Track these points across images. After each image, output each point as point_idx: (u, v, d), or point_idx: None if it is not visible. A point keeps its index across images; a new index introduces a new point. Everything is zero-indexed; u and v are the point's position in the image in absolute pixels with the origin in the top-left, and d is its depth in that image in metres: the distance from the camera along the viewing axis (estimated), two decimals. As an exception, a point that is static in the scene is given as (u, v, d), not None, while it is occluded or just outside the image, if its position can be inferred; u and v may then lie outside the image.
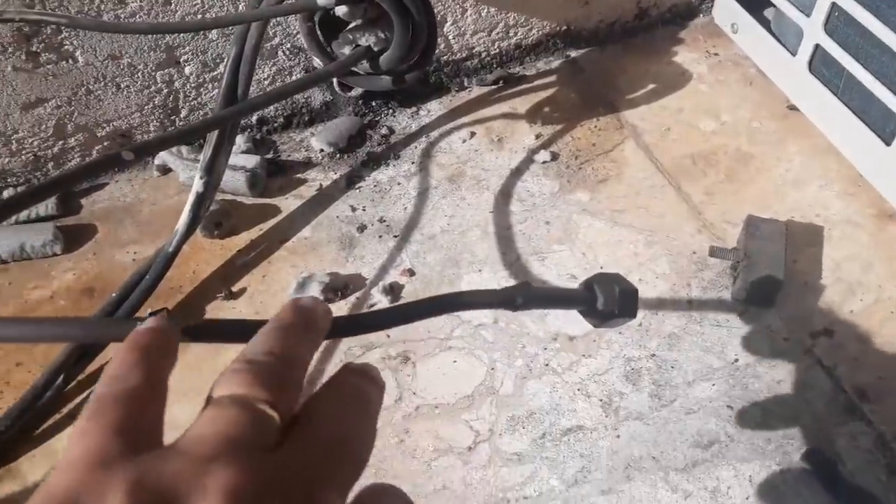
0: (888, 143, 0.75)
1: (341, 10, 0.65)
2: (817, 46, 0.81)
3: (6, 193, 0.83)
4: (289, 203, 0.84)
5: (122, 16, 0.75)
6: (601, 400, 0.66)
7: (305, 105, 0.92)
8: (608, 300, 0.48)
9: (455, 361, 0.69)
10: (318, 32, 0.69)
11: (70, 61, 0.76)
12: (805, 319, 0.71)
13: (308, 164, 0.89)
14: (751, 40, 0.95)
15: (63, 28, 0.71)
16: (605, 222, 0.80)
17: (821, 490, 0.60)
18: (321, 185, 0.86)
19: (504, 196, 0.83)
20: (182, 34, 0.79)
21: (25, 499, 0.60)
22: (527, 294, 0.45)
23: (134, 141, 0.87)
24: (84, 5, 0.73)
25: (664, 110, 0.92)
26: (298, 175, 0.88)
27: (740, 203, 0.80)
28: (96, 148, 0.85)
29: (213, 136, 0.72)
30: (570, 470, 0.62)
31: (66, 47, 0.75)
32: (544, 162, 0.86)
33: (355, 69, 0.74)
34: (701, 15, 1.05)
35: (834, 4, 0.76)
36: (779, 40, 0.89)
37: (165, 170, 0.87)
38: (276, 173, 0.88)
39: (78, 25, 0.61)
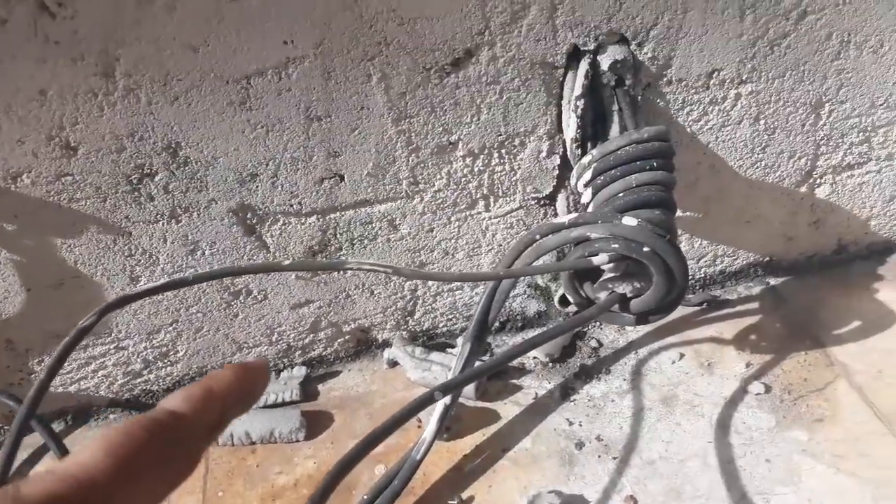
0: None
1: (607, 265, 0.73)
2: None
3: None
4: (507, 409, 0.90)
5: (393, 239, 0.86)
6: None
7: (521, 313, 1.00)
8: None
9: None
10: (575, 281, 0.77)
11: (341, 272, 0.87)
12: None
13: (523, 371, 0.95)
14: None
15: (387, 275, 0.84)
16: (828, 467, 0.81)
17: None
18: (536, 393, 0.92)
19: (721, 426, 0.86)
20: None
21: None
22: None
23: (370, 336, 0.96)
24: (365, 231, 0.84)
25: (873, 351, 0.93)
26: (514, 381, 0.94)
27: (972, 464, 0.79)
28: (338, 340, 0.95)
29: (464, 354, 0.80)
30: None
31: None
32: (758, 394, 0.89)
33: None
34: (899, 252, 1.08)
35: None
36: None
37: (394, 363, 0.96)
38: (493, 377, 0.94)
39: (401, 275, 0.71)
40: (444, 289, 0.94)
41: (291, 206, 0.80)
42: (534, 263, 0.77)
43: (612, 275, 0.76)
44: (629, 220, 0.72)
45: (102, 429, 0.24)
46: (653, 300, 0.75)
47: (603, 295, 0.77)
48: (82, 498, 0.20)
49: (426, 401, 0.61)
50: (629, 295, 0.76)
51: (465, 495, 0.81)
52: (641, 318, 0.79)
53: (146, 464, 0.22)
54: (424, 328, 0.98)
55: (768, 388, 0.90)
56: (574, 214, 0.76)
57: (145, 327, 0.85)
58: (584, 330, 1.00)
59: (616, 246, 0.72)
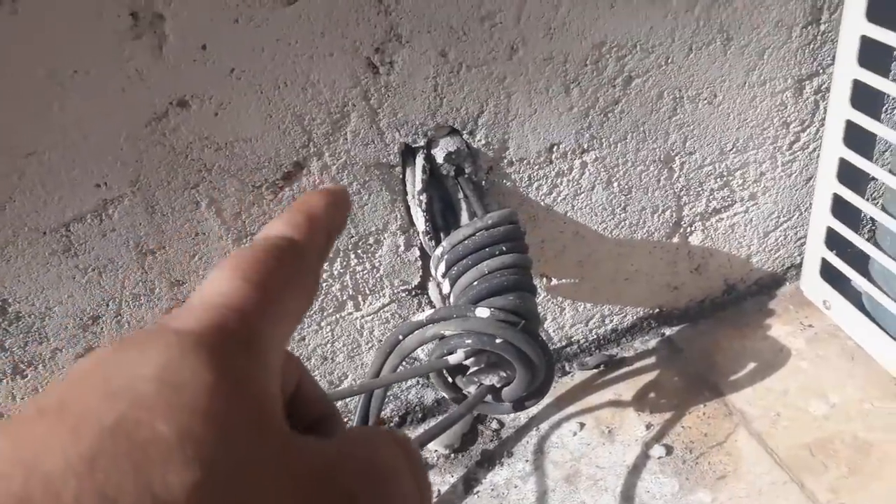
0: None
1: (467, 360, 0.71)
2: (920, 337, 0.82)
3: None
4: (409, 513, 0.86)
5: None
6: None
7: (419, 403, 0.97)
8: None
9: None
10: (445, 373, 0.75)
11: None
12: None
13: (426, 467, 0.92)
14: (846, 317, 0.97)
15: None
16: (732, 527, 0.79)
17: None
18: (439, 490, 0.89)
19: (625, 499, 0.84)
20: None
21: None
22: None
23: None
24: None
25: (770, 393, 0.93)
26: (415, 479, 0.90)
27: (870, 502, 0.78)
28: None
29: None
30: None
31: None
32: (660, 457, 0.87)
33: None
34: (787, 283, 1.08)
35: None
36: (877, 323, 0.91)
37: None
38: (394, 479, 0.91)
39: None
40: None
41: (143, 342, 0.77)
42: (399, 370, 0.75)
43: (476, 368, 0.74)
44: (481, 312, 0.71)
45: (227, 258, 0.21)
46: (520, 388, 0.73)
47: (472, 389, 0.75)
48: (242, 328, 0.19)
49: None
50: (497, 385, 0.74)
51: None
52: (517, 405, 0.77)
53: (282, 289, 0.21)
54: (318, 437, 0.94)
55: (669, 450, 0.88)
56: (430, 311, 0.74)
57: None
58: (485, 413, 0.98)
59: (469, 341, 0.70)
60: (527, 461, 0.90)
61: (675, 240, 0.97)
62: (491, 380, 0.74)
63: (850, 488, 0.80)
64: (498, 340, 0.69)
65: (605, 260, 0.94)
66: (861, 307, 0.94)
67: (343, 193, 0.26)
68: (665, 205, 0.93)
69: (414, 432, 0.97)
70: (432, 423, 0.97)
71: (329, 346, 0.87)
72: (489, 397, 0.76)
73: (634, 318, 1.03)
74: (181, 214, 0.72)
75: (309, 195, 0.25)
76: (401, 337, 0.75)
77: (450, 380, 0.76)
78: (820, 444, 0.85)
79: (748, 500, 0.81)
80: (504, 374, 0.73)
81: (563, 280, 0.94)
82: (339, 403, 0.90)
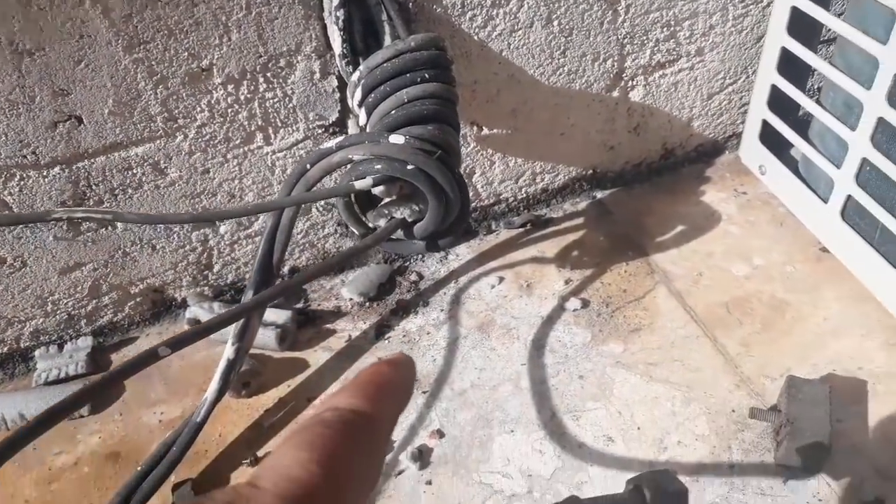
0: (930, 297, 0.73)
1: (377, 189, 0.67)
2: (849, 197, 0.80)
3: (38, 352, 0.84)
4: (318, 356, 0.84)
5: (162, 185, 0.78)
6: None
7: (336, 253, 0.94)
8: (656, 504, 0.46)
9: (488, 536, 0.66)
10: (355, 206, 0.70)
11: (109, 228, 0.78)
12: (855, 488, 0.67)
13: (338, 314, 0.89)
14: (780, 182, 0.95)
15: (108, 221, 0.74)
16: (641, 377, 0.78)
17: None
18: (350, 335, 0.86)
19: (536, 347, 0.82)
20: (219, 196, 0.81)
21: None
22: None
23: (166, 295, 0.88)
24: (126, 178, 0.75)
25: (695, 254, 0.91)
26: (328, 325, 0.88)
27: (779, 355, 0.78)
28: (128, 304, 0.86)
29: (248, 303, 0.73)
30: None
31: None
32: (575, 310, 0.86)
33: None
34: (727, 152, 1.05)
35: (865, 159, 0.76)
36: (808, 185, 0.89)
37: (195, 323, 0.88)
38: (305, 324, 0.88)
39: (123, 220, 0.63)
40: (240, 236, 0.86)
41: (25, 156, 0.71)
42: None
43: (387, 199, 0.70)
44: (396, 139, 0.66)
45: (295, 432, 0.20)
46: (432, 223, 0.69)
47: (382, 222, 0.71)
48: None
49: (148, 357, 0.55)
50: (409, 219, 0.70)
51: (262, 452, 0.75)
52: (431, 245, 0.73)
53: (354, 471, 0.21)
54: (229, 281, 0.90)
55: (586, 304, 0.86)
56: (341, 138, 0.69)
57: None
58: (405, 264, 0.95)
59: (379, 167, 0.66)
60: (442, 311, 0.88)
61: (616, 94, 0.92)
62: (402, 213, 0.69)
63: (760, 343, 0.79)
64: (410, 167, 0.65)
65: (540, 110, 0.89)
66: (797, 173, 0.92)
67: (409, 363, 0.26)
68: (607, 52, 0.87)
69: (331, 283, 0.94)
70: (350, 275, 0.94)
71: (237, 182, 0.82)
72: (401, 234, 0.72)
73: (567, 177, 0.99)
74: (61, 10, 0.64)
75: (377, 366, 0.25)
76: (308, 166, 0.70)
77: (359, 214, 0.72)
78: (738, 302, 0.84)
79: (660, 351, 0.80)
80: (417, 208, 0.69)
81: (496, 130, 0.89)
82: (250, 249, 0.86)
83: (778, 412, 0.70)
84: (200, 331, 0.59)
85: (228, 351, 0.73)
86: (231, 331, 0.73)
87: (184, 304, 0.89)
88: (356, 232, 0.75)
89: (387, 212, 0.71)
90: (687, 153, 1.04)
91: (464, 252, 0.96)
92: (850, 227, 0.82)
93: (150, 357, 0.55)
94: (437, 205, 0.68)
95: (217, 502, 0.19)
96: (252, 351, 0.83)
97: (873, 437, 0.70)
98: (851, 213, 0.82)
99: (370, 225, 0.73)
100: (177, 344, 0.55)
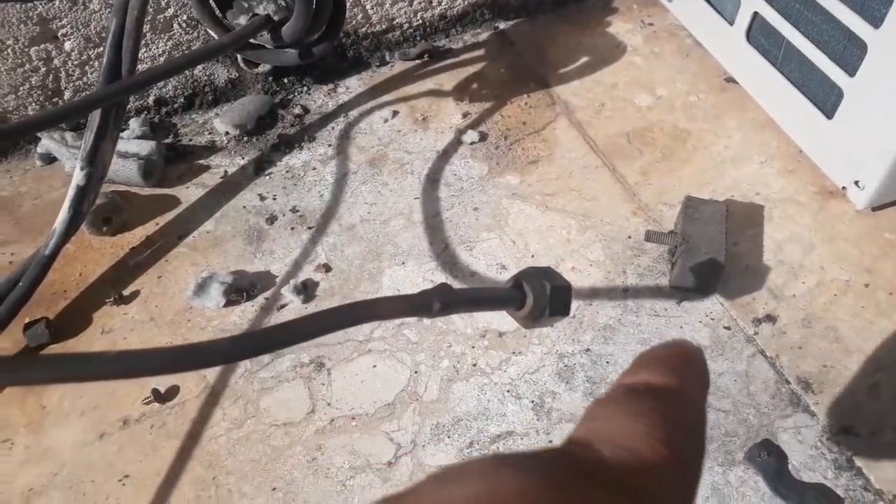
0: (829, 117, 0.71)
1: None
2: (755, 14, 0.76)
3: None
4: (190, 193, 0.76)
5: (-19, -17, 0.66)
6: (532, 401, 0.60)
7: (209, 83, 0.84)
8: (539, 298, 0.42)
9: (375, 366, 0.63)
10: (210, 1, 0.61)
11: (-79, 36, 0.66)
12: (747, 306, 0.67)
13: (212, 149, 0.81)
14: (687, 9, 0.90)
15: None
16: (536, 207, 0.74)
17: (767, 490, 0.56)
18: (226, 171, 0.78)
19: (430, 181, 0.77)
20: (57, 3, 0.70)
21: None
22: (446, 297, 0.38)
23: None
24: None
25: (598, 85, 0.86)
26: (201, 161, 0.79)
27: (678, 183, 0.76)
28: (-34, 135, 0.75)
29: (94, 121, 0.64)
30: (501, 482, 0.56)
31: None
32: (472, 143, 0.80)
33: (257, 42, 0.67)
34: (635, -17, 0.99)
35: (772, -31, 0.71)
36: (716, 9, 0.84)
37: (50, 159, 0.78)
38: (175, 160, 0.79)
39: None
40: (91, 56, 0.75)
41: None
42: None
43: (248, -6, 0.61)
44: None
45: (618, 400, 0.14)
46: (301, 21, 0.61)
47: (243, 20, 0.62)
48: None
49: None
50: (274, 17, 0.61)
51: (128, 290, 0.68)
52: (304, 53, 0.65)
53: (691, 451, 0.18)
54: (84, 111, 0.79)
55: (484, 137, 0.81)
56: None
57: None
58: (289, 97, 0.86)
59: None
60: (329, 146, 0.81)
61: None
62: (266, 7, 0.60)
63: (659, 171, 0.77)
64: (270, -50, 0.55)
65: (432, -82, 0.80)
66: (704, -1, 0.87)
67: (699, 349, 0.23)
68: None
69: (204, 116, 0.84)
70: (225, 107, 0.84)
71: (83, -12, 0.70)
72: (268, 38, 0.64)
73: (467, 3, 0.91)
74: None
75: (675, 345, 0.22)
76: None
77: (216, 12, 0.62)
78: (639, 132, 0.81)
79: (557, 182, 0.76)
80: (283, 3, 0.61)
81: (383, -60, 0.80)
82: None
83: (674, 234, 0.68)
84: (37, 121, 0.50)
85: (77, 177, 0.64)
86: (79, 154, 0.64)
87: (35, 138, 0.78)
88: (214, 36, 0.66)
89: (247, 5, 0.62)
90: (594, -18, 0.97)
91: (354, 85, 0.88)
92: (755, 49, 0.78)
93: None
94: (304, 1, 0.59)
95: (555, 461, 0.16)
96: (117, 188, 0.75)
97: (766, 259, 0.70)
98: (756, 35, 0.78)
99: (230, 26, 0.64)
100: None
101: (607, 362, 0.63)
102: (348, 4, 0.79)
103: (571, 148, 0.80)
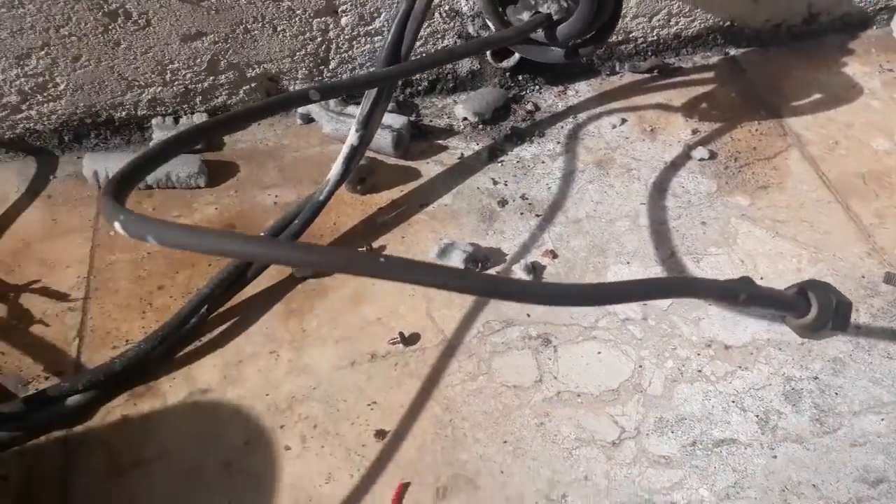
0: None
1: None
2: None
3: (154, 121, 0.82)
4: (430, 168, 0.82)
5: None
6: (757, 416, 0.61)
7: (452, 71, 0.90)
8: (824, 310, 0.43)
9: (599, 353, 0.65)
10: (495, -1, 0.66)
11: (237, -6, 0.75)
12: None
13: (450, 132, 0.86)
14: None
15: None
16: (766, 231, 0.75)
17: None
18: (462, 154, 0.83)
19: (657, 189, 0.79)
20: (350, -19, 0.77)
21: (164, 416, 0.58)
22: (750, 291, 0.41)
23: (281, 86, 0.85)
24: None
25: (831, 123, 0.86)
26: (440, 141, 0.85)
27: (916, 228, 0.74)
28: (243, 88, 0.84)
29: (372, 91, 0.70)
30: (722, 483, 0.58)
31: (236, -19, 0.74)
32: (701, 159, 0.82)
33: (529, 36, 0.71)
34: (875, 27, 0.98)
35: None
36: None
37: (308, 119, 0.86)
38: (417, 137, 0.85)
39: None
40: (360, 32, 0.82)
41: None
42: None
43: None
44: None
45: None
46: (579, 22, 0.64)
47: (526, 15, 0.66)
48: None
49: (300, 99, 0.52)
50: (555, 17, 0.66)
51: (376, 244, 0.74)
52: (570, 52, 0.69)
53: None
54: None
55: (713, 155, 0.82)
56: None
57: (11, 49, 0.73)
58: (522, 94, 0.90)
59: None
60: (558, 143, 0.85)
61: (778, -64, 0.85)
62: (549, 7, 0.65)
63: (897, 215, 0.76)
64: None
65: (696, -60, 0.82)
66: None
67: None
68: None
69: (443, 101, 0.90)
70: (463, 95, 0.90)
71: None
72: (542, 35, 0.68)
73: (703, 25, 0.93)
74: None
75: None
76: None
77: (499, 7, 0.67)
78: (875, 175, 0.80)
79: (787, 210, 0.77)
80: (566, 4, 0.64)
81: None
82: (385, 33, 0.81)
83: (915, 278, 0.68)
84: (347, 84, 0.56)
85: (352, 137, 0.70)
86: (357, 119, 0.71)
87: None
88: (492, 28, 0.70)
89: (533, 2, 0.66)
90: (832, 21, 0.97)
91: (584, 90, 0.91)
92: None
93: (301, 99, 0.52)
94: (589, 3, 0.63)
95: None
96: (368, 154, 0.81)
97: None
98: None
99: (509, 21, 0.68)
100: (327, 92, 0.53)
101: (836, 393, 0.63)
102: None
103: (803, 180, 0.80)
